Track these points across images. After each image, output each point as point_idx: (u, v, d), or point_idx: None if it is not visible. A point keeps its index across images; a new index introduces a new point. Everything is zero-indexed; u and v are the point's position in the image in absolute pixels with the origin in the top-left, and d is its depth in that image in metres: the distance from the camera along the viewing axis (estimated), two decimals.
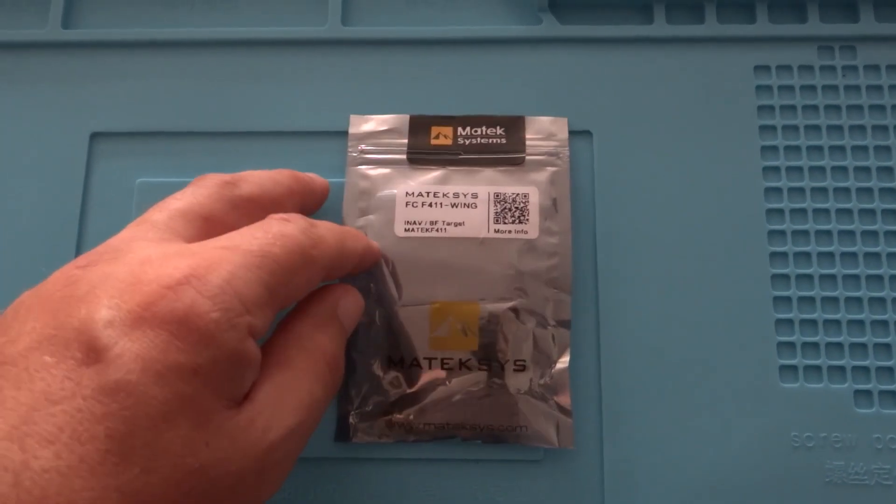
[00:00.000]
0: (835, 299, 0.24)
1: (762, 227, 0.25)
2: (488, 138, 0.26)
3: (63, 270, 0.18)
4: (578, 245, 0.25)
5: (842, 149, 0.26)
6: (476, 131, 0.26)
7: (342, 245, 0.21)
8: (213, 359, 0.16)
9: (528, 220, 0.24)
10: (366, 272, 0.24)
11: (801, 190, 0.25)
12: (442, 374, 0.23)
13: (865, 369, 0.24)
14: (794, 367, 0.24)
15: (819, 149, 0.26)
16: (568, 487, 0.23)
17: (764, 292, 0.25)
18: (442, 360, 0.23)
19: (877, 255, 0.25)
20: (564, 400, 0.23)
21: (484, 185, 0.25)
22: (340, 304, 0.22)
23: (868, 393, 0.24)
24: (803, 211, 0.25)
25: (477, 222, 0.24)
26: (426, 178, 0.25)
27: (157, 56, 0.28)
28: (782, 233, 0.25)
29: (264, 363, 0.18)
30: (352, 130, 0.26)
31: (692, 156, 0.26)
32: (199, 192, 0.21)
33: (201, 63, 0.28)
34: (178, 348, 0.16)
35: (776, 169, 0.26)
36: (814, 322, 0.24)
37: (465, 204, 0.25)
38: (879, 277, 0.25)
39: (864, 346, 0.24)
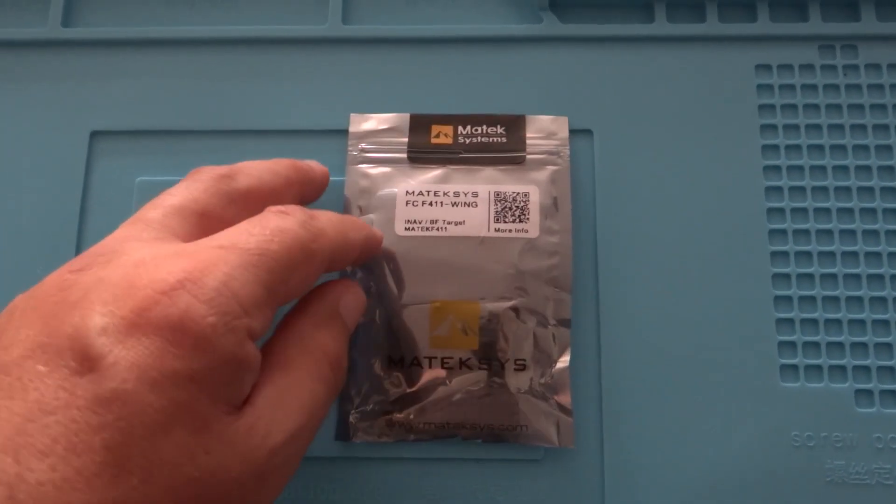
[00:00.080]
0: (836, 298, 0.24)
1: (763, 226, 0.25)
2: (489, 137, 0.26)
3: (56, 274, 0.17)
4: (579, 244, 0.25)
5: (843, 148, 0.26)
6: (476, 130, 0.26)
7: (343, 236, 0.20)
8: (211, 364, 0.16)
9: (528, 219, 0.24)
10: (366, 272, 0.24)
11: (802, 189, 0.25)
12: (442, 373, 0.23)
13: (866, 369, 0.24)
14: (794, 367, 0.24)
15: (820, 148, 0.26)
16: (568, 487, 0.23)
17: (765, 291, 0.25)
18: (442, 359, 0.23)
19: (878, 255, 0.25)
20: (565, 399, 0.23)
21: (484, 183, 0.25)
22: (342, 302, 0.21)
23: (869, 392, 0.24)
24: (804, 210, 0.25)
25: (477, 221, 0.24)
26: (426, 177, 0.25)
27: (157, 54, 0.28)
28: (783, 232, 0.25)
29: (265, 365, 0.18)
30: (352, 129, 0.26)
31: (693, 155, 0.26)
32: (194, 187, 0.20)
33: (201, 61, 0.28)
34: (174, 355, 0.15)
35: (777, 168, 0.26)
36: (815, 321, 0.24)
37: (465, 203, 0.24)
38: (880, 277, 0.25)
39: (864, 345, 0.24)
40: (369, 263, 0.24)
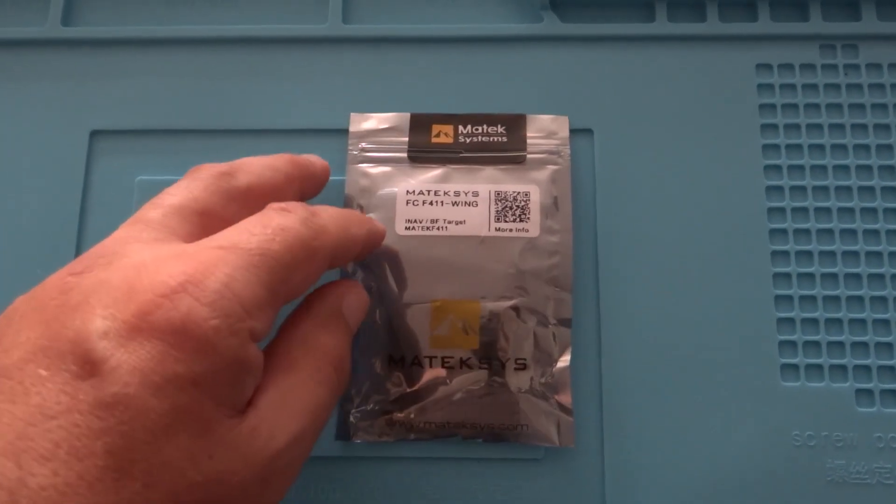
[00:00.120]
0: (836, 298, 0.24)
1: (763, 226, 0.25)
2: (489, 136, 0.26)
3: (57, 277, 0.17)
4: (579, 243, 0.25)
5: (843, 147, 0.26)
6: (477, 129, 0.26)
7: (345, 232, 0.20)
8: (213, 367, 0.16)
9: (529, 218, 0.24)
10: (367, 271, 0.24)
11: (803, 188, 0.25)
12: (443, 372, 0.23)
13: (867, 368, 0.24)
14: (795, 366, 0.24)
15: (821, 147, 0.26)
16: (569, 486, 0.23)
17: (765, 291, 0.25)
18: (443, 358, 0.23)
19: (879, 254, 0.25)
20: (565, 399, 0.23)
21: (485, 183, 0.25)
22: (345, 302, 0.21)
23: (869, 392, 0.24)
24: (805, 209, 0.25)
25: (478, 221, 0.24)
26: (427, 177, 0.25)
27: (157, 54, 0.28)
28: (784, 231, 0.25)
29: (267, 366, 0.18)
30: (352, 128, 0.26)
31: (693, 154, 0.26)
32: (193, 186, 0.20)
33: (202, 61, 0.28)
34: (176, 359, 0.15)
35: (778, 167, 0.26)
36: (815, 321, 0.24)
37: (465, 202, 0.24)
38: (881, 276, 0.25)
39: (865, 344, 0.24)
40: (370, 263, 0.24)
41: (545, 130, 0.26)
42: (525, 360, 0.24)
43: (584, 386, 0.24)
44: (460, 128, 0.26)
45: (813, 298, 0.24)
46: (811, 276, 0.25)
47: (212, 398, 0.16)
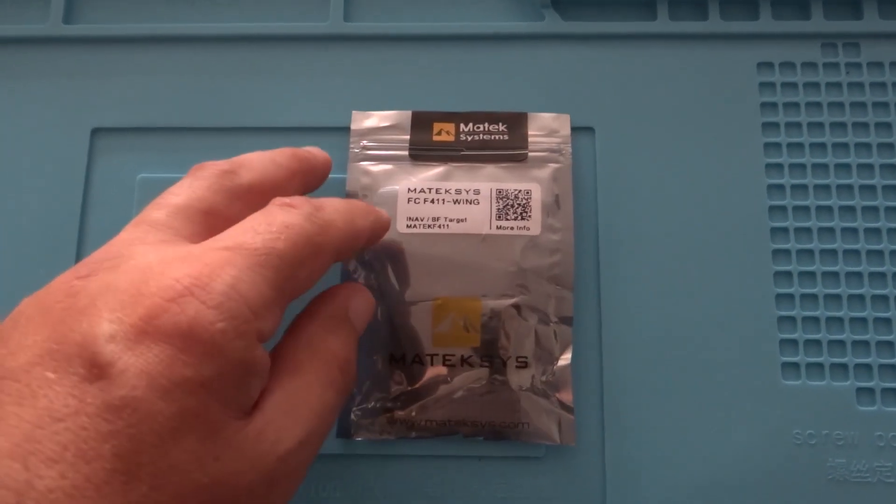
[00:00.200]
0: (837, 296, 0.24)
1: (765, 224, 0.25)
2: (490, 135, 0.26)
3: (63, 280, 0.17)
4: (581, 242, 0.25)
5: (845, 146, 0.26)
6: (478, 128, 0.26)
7: (351, 225, 0.20)
8: (221, 370, 0.16)
9: (530, 216, 0.24)
10: (368, 269, 0.24)
11: (804, 187, 0.25)
12: (444, 370, 0.23)
13: (868, 367, 0.24)
14: (796, 365, 0.24)
15: (822, 146, 0.26)
16: (569, 484, 0.23)
17: (766, 289, 0.25)
18: (444, 356, 0.23)
19: (880, 253, 0.25)
20: (566, 397, 0.23)
21: (486, 181, 0.25)
22: (351, 305, 0.21)
23: (870, 391, 0.24)
24: (806, 208, 0.25)
25: (479, 219, 0.24)
26: (428, 175, 0.25)
27: (158, 52, 0.28)
28: (785, 230, 0.25)
29: (274, 369, 0.18)
30: (354, 126, 0.26)
31: (695, 153, 0.26)
32: (197, 185, 0.20)
33: (203, 59, 0.28)
34: (183, 362, 0.15)
35: (779, 166, 0.26)
36: (816, 319, 0.24)
37: (467, 200, 0.24)
38: (882, 275, 0.25)
39: (866, 343, 0.24)
40: (371, 260, 0.24)
41: (546, 129, 0.26)
42: (526, 358, 0.24)
43: (585, 384, 0.24)
44: (462, 126, 0.26)
45: (814, 297, 0.24)
46: (812, 274, 0.25)
47: (219, 401, 0.16)
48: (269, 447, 0.17)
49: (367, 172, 0.25)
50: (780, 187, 0.25)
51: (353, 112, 0.26)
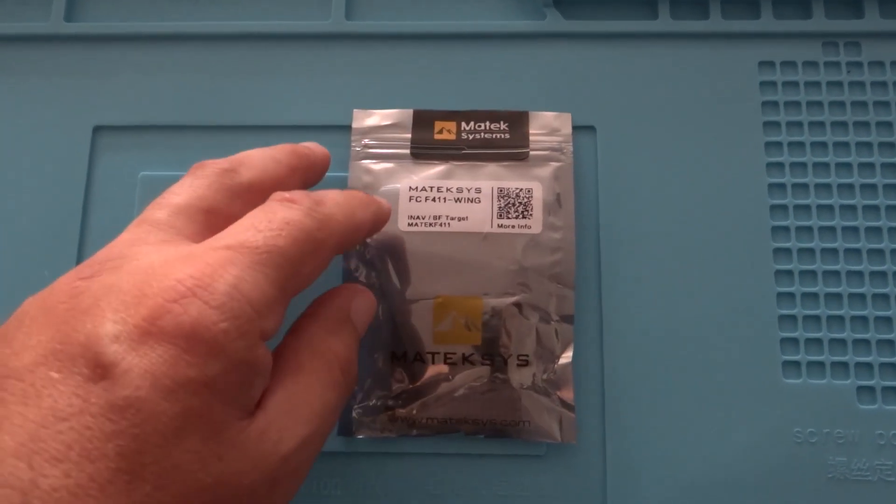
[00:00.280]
0: (838, 295, 0.24)
1: (766, 223, 0.25)
2: (492, 133, 0.26)
3: (66, 280, 0.17)
4: (582, 240, 0.25)
5: (846, 145, 0.26)
6: (480, 126, 0.26)
7: (351, 218, 0.20)
8: (224, 370, 0.16)
9: (531, 215, 0.24)
10: (370, 267, 0.24)
11: (805, 186, 0.25)
12: (445, 368, 0.23)
13: (868, 365, 0.24)
14: (797, 363, 0.24)
15: (823, 145, 0.26)
16: (570, 482, 0.23)
17: (767, 288, 0.25)
18: (445, 354, 0.23)
19: (881, 252, 0.25)
20: (567, 395, 0.23)
21: (487, 179, 0.25)
22: (353, 306, 0.21)
23: (871, 389, 0.24)
24: (807, 207, 0.25)
25: (480, 217, 0.24)
26: (429, 173, 0.25)
27: (160, 50, 0.28)
28: (786, 228, 0.25)
29: (276, 369, 0.18)
30: (355, 125, 0.26)
31: (696, 152, 0.26)
32: (197, 184, 0.20)
33: (204, 57, 0.28)
34: (187, 362, 0.15)
35: (780, 165, 0.26)
36: (817, 318, 0.24)
37: (468, 199, 0.24)
38: (883, 274, 0.25)
39: (867, 342, 0.24)
40: (372, 259, 0.24)
41: (548, 127, 0.26)
42: (527, 356, 0.24)
43: (586, 382, 0.24)
44: (463, 124, 0.26)
45: (815, 295, 0.24)
46: (813, 273, 0.25)
47: (222, 401, 0.16)
48: (271, 447, 0.17)
49: (368, 171, 0.25)
50: (782, 186, 0.25)
51: (355, 110, 0.26)
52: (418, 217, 0.24)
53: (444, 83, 0.27)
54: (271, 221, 0.18)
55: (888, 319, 0.24)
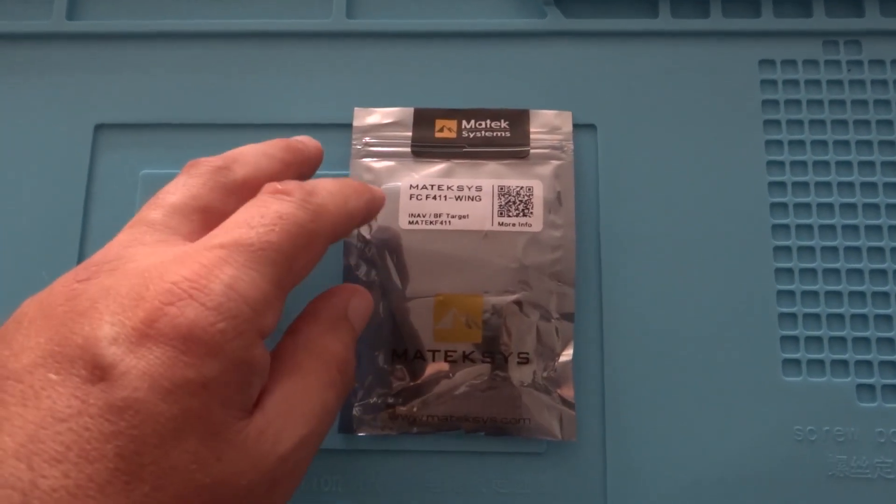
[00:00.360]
0: (838, 294, 0.24)
1: (766, 222, 0.25)
2: (492, 132, 0.26)
3: (63, 283, 0.17)
4: (582, 238, 0.25)
5: (846, 143, 0.26)
6: (480, 124, 0.26)
7: (344, 208, 0.20)
8: (222, 370, 0.16)
9: (532, 213, 0.24)
10: (370, 265, 0.24)
11: (806, 184, 0.25)
12: (445, 366, 0.24)
13: (868, 363, 0.24)
14: (797, 361, 0.24)
15: (823, 143, 0.26)
16: (571, 480, 0.23)
17: (767, 286, 0.25)
18: (446, 352, 0.24)
19: (881, 250, 0.25)
20: (568, 393, 0.23)
21: (488, 178, 0.25)
22: (350, 306, 0.21)
23: (871, 387, 0.24)
24: (807, 205, 0.25)
25: (481, 215, 0.24)
26: (430, 171, 0.25)
27: (161, 48, 0.28)
28: (786, 227, 0.25)
29: (274, 369, 0.18)
30: (356, 123, 0.26)
31: (696, 150, 0.26)
32: (191, 183, 0.20)
33: (206, 55, 0.28)
34: (185, 363, 0.15)
35: (780, 163, 0.26)
36: (817, 316, 0.24)
37: (469, 197, 0.25)
38: (883, 272, 0.25)
39: (867, 340, 0.24)
40: (373, 257, 0.24)
41: (548, 126, 0.26)
42: (528, 354, 0.24)
43: (587, 380, 0.24)
44: (464, 123, 0.26)
45: (815, 294, 0.25)
46: (813, 271, 0.25)
47: (220, 401, 0.16)
48: (269, 447, 0.17)
49: (369, 169, 0.25)
50: (782, 184, 0.26)
51: (356, 109, 0.26)
52: (419, 215, 0.24)
53: (445, 81, 0.27)
54: (264, 216, 0.18)
55: (888, 317, 0.24)
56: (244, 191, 0.20)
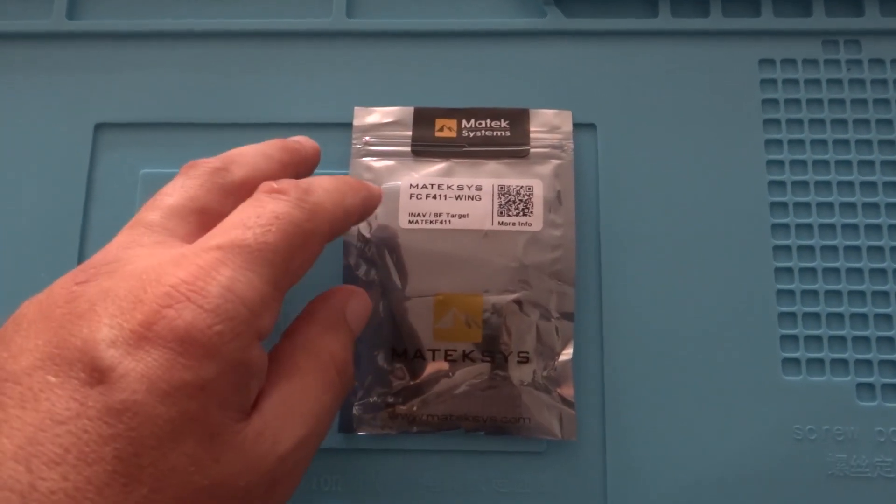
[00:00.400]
0: (838, 292, 0.24)
1: (766, 221, 0.25)
2: (492, 131, 0.26)
3: (62, 285, 0.17)
4: (582, 238, 0.25)
5: (846, 142, 0.26)
6: (480, 124, 0.26)
7: (340, 206, 0.20)
8: (219, 372, 0.16)
9: (532, 212, 0.24)
10: (370, 264, 0.24)
11: (805, 183, 0.26)
12: (445, 365, 0.24)
13: (868, 362, 0.24)
14: (796, 360, 0.24)
15: (823, 143, 0.26)
16: (570, 479, 0.23)
17: (767, 285, 0.25)
18: (446, 351, 0.24)
19: (880, 249, 0.25)
20: (567, 392, 0.23)
21: (488, 177, 0.25)
22: (349, 307, 0.21)
23: (870, 386, 0.24)
24: (807, 205, 0.25)
25: (481, 214, 0.24)
26: (430, 171, 0.25)
27: (161, 47, 0.28)
28: (786, 226, 0.25)
29: (272, 371, 0.18)
30: (356, 122, 0.26)
31: (696, 149, 0.26)
32: (189, 185, 0.20)
33: (206, 54, 0.28)
34: (182, 365, 0.15)
35: (780, 162, 0.26)
36: (817, 315, 0.24)
37: (469, 196, 0.25)
38: (882, 271, 0.25)
39: (866, 339, 0.24)
40: (373, 256, 0.24)
41: (548, 125, 0.26)
42: (527, 353, 0.24)
43: (587, 379, 0.24)
44: (464, 122, 0.26)
45: (815, 293, 0.25)
46: (813, 270, 0.25)
47: (218, 403, 0.16)
48: (267, 448, 0.17)
49: (369, 168, 0.25)
50: (781, 184, 0.26)
51: (356, 108, 0.26)
52: (419, 214, 0.24)
53: (445, 81, 0.27)
54: (260, 217, 0.18)
55: (888, 317, 0.24)
56: (242, 192, 0.20)
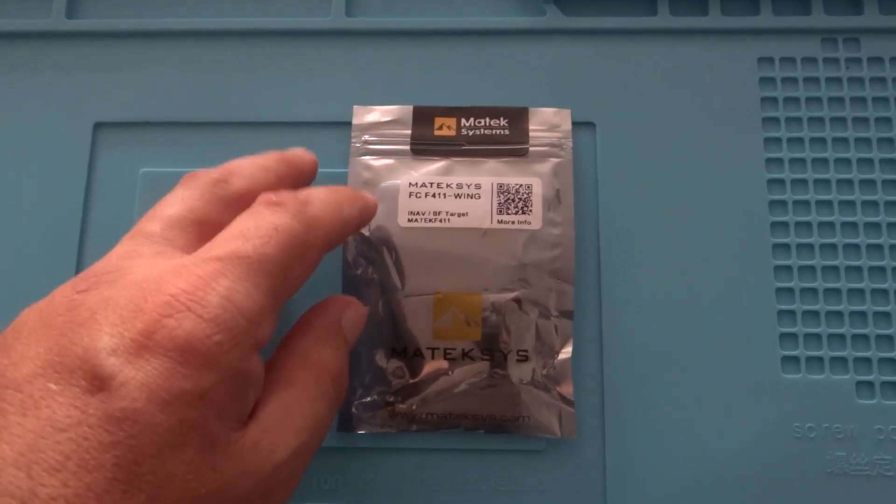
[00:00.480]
0: (837, 291, 0.24)
1: (765, 219, 0.25)
2: (492, 129, 0.26)
3: (63, 293, 0.17)
4: (581, 236, 0.25)
5: (845, 141, 0.26)
6: (479, 122, 0.26)
7: (338, 217, 0.20)
8: (218, 381, 0.16)
9: (531, 210, 0.24)
10: (370, 263, 0.24)
11: (804, 181, 0.26)
12: (445, 364, 0.24)
13: (867, 360, 0.24)
14: (796, 359, 0.24)
15: (822, 140, 0.26)
16: (570, 477, 0.23)
17: (767, 283, 0.25)
18: (445, 350, 0.24)
19: (880, 247, 0.25)
20: (567, 390, 0.23)
21: (487, 175, 0.25)
22: (344, 317, 0.21)
23: (870, 384, 0.24)
24: (806, 202, 0.25)
25: (480, 213, 0.24)
26: (430, 169, 0.25)
27: (160, 46, 0.28)
28: (785, 224, 0.25)
29: (268, 380, 0.18)
30: (355, 121, 0.26)
31: (695, 147, 0.26)
32: (189, 196, 0.20)
33: (205, 53, 0.28)
34: (182, 375, 0.16)
35: (779, 160, 0.26)
36: (816, 313, 0.24)
37: (468, 195, 0.25)
38: (882, 269, 0.25)
39: (866, 337, 0.24)
40: (372, 255, 0.24)
41: (547, 123, 0.26)
42: (527, 351, 0.24)
43: (586, 377, 0.24)
44: (463, 121, 0.26)
45: (814, 291, 0.25)
46: (812, 268, 0.25)
47: (216, 412, 0.16)
48: (264, 457, 0.17)
49: (368, 167, 0.25)
50: (781, 182, 0.26)
51: (355, 107, 0.26)
52: (418, 213, 0.24)
53: (444, 79, 0.27)
54: (259, 228, 0.18)
55: (887, 315, 0.24)
56: (241, 203, 0.21)
